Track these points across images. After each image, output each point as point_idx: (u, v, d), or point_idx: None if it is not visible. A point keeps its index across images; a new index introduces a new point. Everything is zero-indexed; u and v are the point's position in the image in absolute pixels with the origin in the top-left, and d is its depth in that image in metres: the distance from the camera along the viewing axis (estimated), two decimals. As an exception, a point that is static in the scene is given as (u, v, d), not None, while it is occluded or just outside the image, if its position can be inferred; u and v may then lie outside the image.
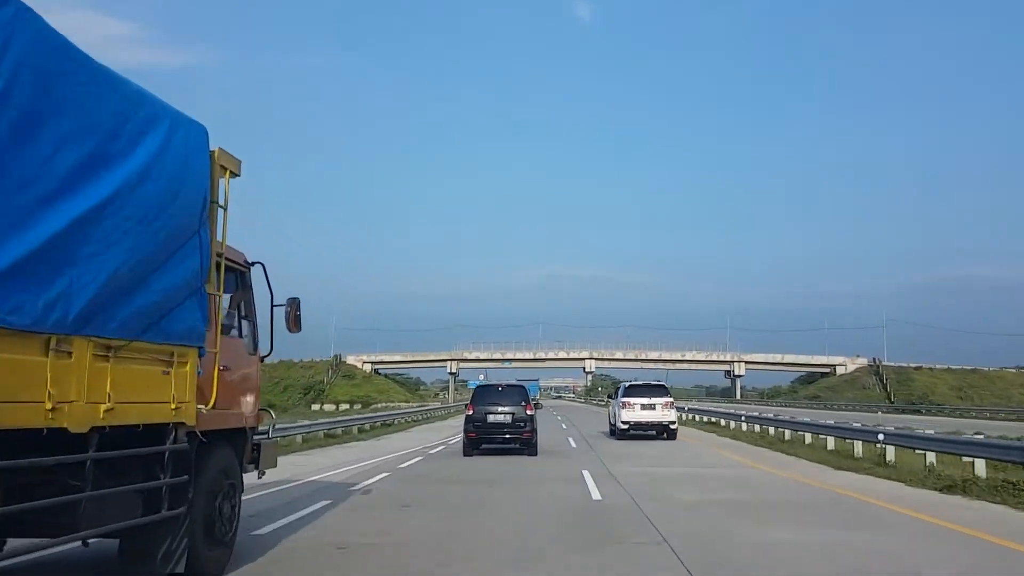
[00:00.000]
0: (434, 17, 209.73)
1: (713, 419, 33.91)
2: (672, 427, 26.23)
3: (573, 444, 23.78)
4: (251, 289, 8.35)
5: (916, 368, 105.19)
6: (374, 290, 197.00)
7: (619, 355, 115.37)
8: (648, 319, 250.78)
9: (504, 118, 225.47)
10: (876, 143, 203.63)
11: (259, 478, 8.66)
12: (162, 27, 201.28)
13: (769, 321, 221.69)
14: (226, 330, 7.54)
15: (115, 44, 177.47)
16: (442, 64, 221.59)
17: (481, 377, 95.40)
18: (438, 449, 21.87)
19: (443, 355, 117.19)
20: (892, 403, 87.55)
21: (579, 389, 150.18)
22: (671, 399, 26.87)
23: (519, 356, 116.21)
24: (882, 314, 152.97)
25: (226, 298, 7.73)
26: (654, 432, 26.35)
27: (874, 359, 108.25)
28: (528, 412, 19.64)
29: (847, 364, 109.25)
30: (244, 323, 8.25)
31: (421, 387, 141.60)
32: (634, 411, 26.11)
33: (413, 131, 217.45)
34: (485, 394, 20.63)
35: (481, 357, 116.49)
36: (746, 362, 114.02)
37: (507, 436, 19.52)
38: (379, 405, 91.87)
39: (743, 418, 27.52)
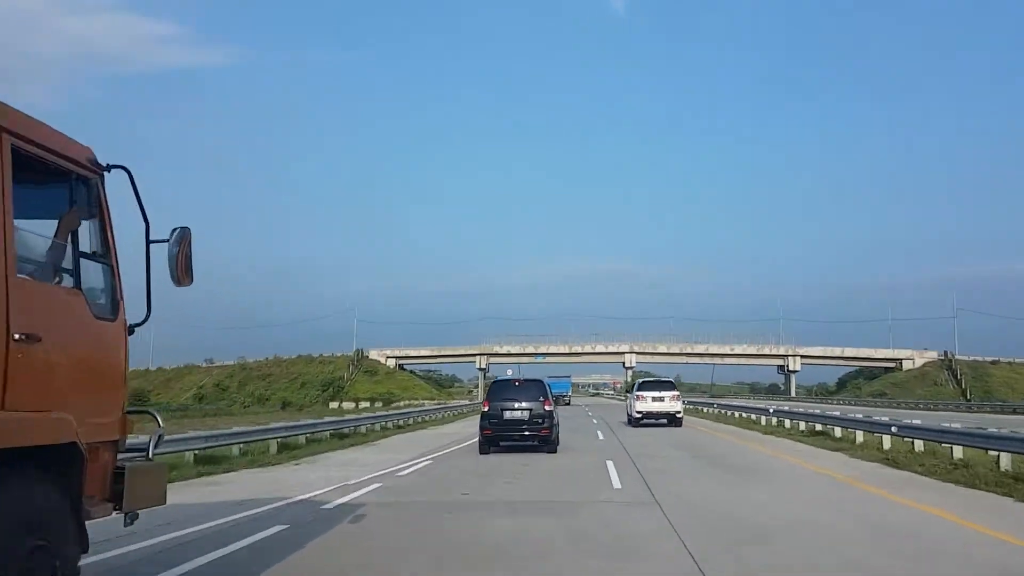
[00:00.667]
0: (441, 17, 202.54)
1: (817, 426, 23.97)
2: (678, 416, 30.83)
3: (616, 482, 13.24)
4: (106, 211, 5.33)
5: (992, 362, 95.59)
6: (400, 286, 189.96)
7: (662, 348, 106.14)
8: (691, 311, 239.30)
9: (512, 116, 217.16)
10: (930, 129, 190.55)
11: (126, 525, 5.36)
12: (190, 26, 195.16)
13: (822, 312, 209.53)
14: (42, 271, 4.84)
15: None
16: (463, 64, 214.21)
17: (509, 372, 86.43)
18: (350, 498, 11.45)
19: (471, 349, 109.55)
20: (968, 400, 78.61)
21: (619, 386, 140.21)
22: (678, 393, 31.86)
23: (552, 350, 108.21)
24: (946, 304, 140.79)
25: (50, 224, 5.02)
26: (665, 420, 30.71)
27: (945, 352, 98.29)
28: (547, 408, 18.81)
29: (915, 358, 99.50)
30: (91, 266, 5.22)
31: (456, 384, 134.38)
32: (646, 403, 30.67)
33: (414, 132, 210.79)
34: (501, 390, 19.78)
35: (512, 351, 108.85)
36: (801, 356, 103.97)
37: (525, 433, 18.76)
38: (401, 403, 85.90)
39: (894, 429, 17.51)
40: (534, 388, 19.47)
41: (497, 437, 18.94)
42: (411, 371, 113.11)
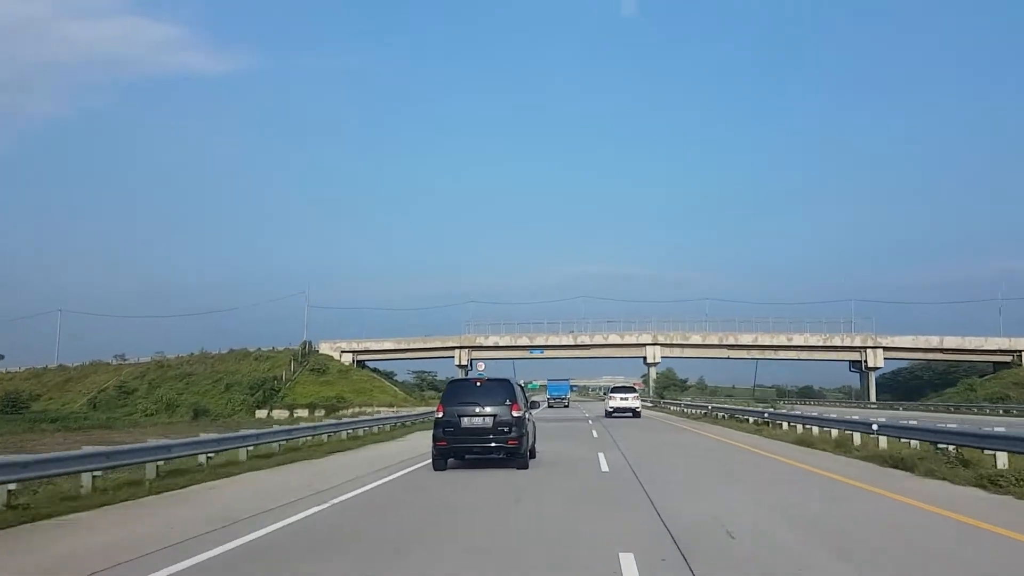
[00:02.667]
0: (458, 11, 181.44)
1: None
2: (637, 410, 43.98)
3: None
4: None
5: None
6: (383, 290, 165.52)
7: (696, 339, 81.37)
8: (732, 295, 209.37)
9: (523, 115, 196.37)
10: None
11: None
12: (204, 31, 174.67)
13: (903, 295, 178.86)
14: None
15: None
16: (489, 62, 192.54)
17: (480, 367, 63.24)
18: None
19: (449, 341, 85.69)
20: None
21: (641, 387, 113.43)
22: (637, 394, 47.07)
23: (553, 342, 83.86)
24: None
25: None
26: (629, 414, 43.00)
27: (1081, 340, 73.06)
28: (515, 413, 15.70)
29: (1040, 348, 73.83)
30: None
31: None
32: (616, 401, 44.33)
33: (415, 125, 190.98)
34: (459, 391, 16.55)
35: (501, 343, 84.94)
36: (884, 348, 78.17)
37: (490, 444, 15.58)
38: (347, 412, 66.16)
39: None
40: (499, 389, 16.22)
41: (454, 450, 15.88)
42: (375, 369, 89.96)
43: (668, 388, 73.57)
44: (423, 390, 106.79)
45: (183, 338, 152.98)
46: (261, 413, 73.97)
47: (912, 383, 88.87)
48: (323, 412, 71.92)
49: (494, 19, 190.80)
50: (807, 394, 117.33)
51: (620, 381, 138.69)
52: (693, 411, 46.08)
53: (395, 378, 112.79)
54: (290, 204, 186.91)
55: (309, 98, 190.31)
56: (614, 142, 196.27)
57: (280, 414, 72.47)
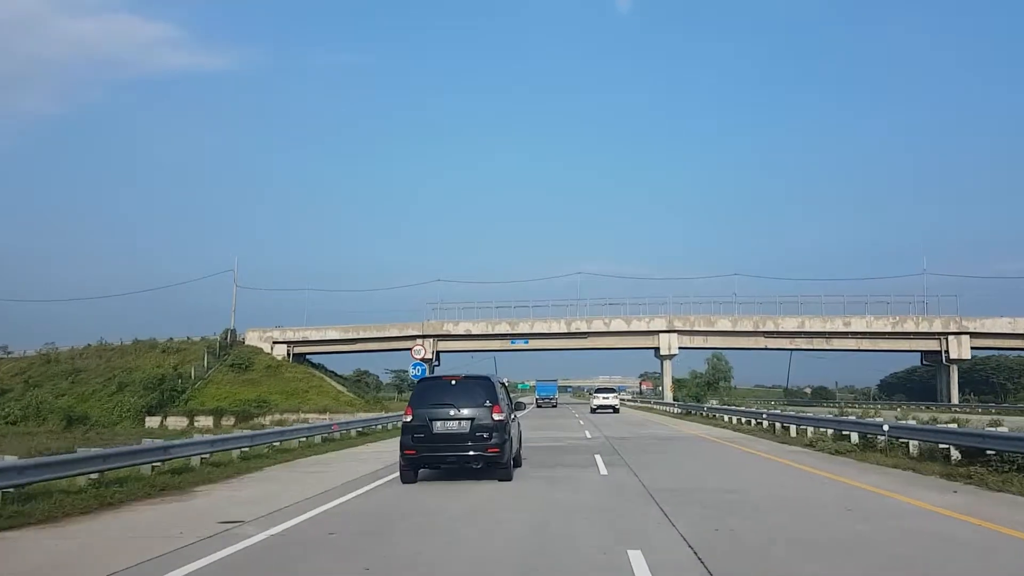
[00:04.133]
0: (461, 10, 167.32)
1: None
2: (617, 408, 52.25)
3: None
4: None
5: None
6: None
7: (724, 324, 63.23)
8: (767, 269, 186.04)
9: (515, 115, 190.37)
10: None
11: None
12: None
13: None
14: None
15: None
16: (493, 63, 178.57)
17: (417, 355, 44.84)
18: None
19: (409, 328, 68.42)
20: None
21: (649, 388, 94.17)
22: (617, 393, 56.58)
23: (540, 330, 66.20)
24: None
25: None
26: (611, 410, 50.53)
27: None
28: (496, 416, 13.38)
29: None
30: None
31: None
32: (599, 400, 52.07)
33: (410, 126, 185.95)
34: (430, 391, 14.06)
35: (475, 331, 67.45)
36: (971, 334, 59.83)
37: (469, 453, 13.31)
38: (265, 420, 49.53)
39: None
40: (477, 388, 13.77)
41: (424, 459, 13.65)
42: (319, 365, 72.58)
43: (713, 386, 53.38)
44: (402, 391, 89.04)
45: (89, 327, 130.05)
46: (153, 421, 58.18)
47: (928, 383, 71.26)
48: (233, 420, 55.25)
49: (493, 20, 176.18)
50: (822, 395, 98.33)
51: (618, 381, 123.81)
52: (830, 430, 21.18)
53: (374, 377, 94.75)
54: (288, 205, 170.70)
55: (286, 93, 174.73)
56: (617, 137, 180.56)
57: (178, 422, 57.56)
